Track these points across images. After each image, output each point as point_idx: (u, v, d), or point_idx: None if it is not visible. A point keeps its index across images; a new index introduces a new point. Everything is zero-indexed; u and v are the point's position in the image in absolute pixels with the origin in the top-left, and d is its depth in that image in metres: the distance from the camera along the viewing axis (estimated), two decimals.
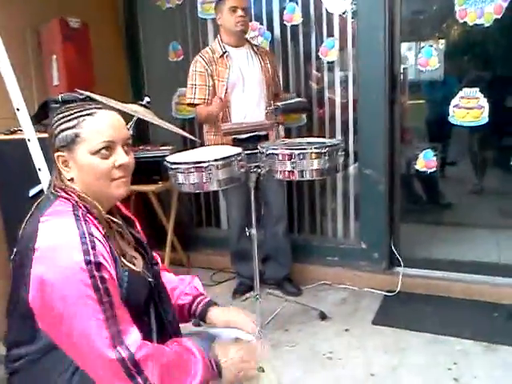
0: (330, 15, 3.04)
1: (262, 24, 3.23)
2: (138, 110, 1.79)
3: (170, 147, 3.15)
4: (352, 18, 2.96)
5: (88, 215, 1.12)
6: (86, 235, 1.06)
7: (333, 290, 3.16)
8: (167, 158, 2.26)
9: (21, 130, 2.49)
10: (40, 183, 1.68)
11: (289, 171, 2.25)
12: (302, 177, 2.26)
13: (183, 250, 3.67)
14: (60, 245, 1.05)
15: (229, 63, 2.77)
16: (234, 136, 2.65)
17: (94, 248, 1.05)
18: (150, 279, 1.28)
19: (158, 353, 1.09)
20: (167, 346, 1.17)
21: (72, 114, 1.15)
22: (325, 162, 2.22)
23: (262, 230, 3.18)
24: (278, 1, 3.16)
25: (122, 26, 3.68)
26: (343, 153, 2.32)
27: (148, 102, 1.85)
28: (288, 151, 2.21)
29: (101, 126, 1.15)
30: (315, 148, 2.21)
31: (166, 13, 3.52)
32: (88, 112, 1.15)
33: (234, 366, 1.24)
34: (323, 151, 2.21)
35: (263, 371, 1.43)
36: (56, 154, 1.15)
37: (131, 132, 1.87)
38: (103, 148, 1.14)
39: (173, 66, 3.49)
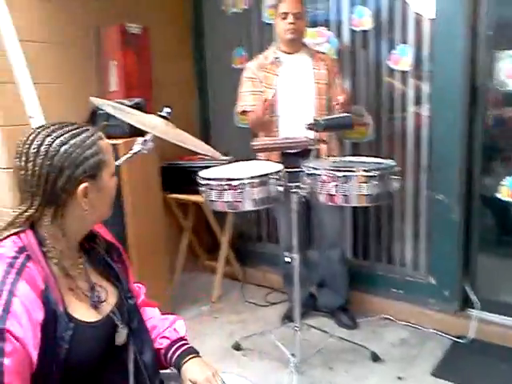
0: (404, 19, 2.71)
1: (329, 29, 2.97)
2: (155, 124, 1.64)
3: (229, 157, 3.01)
4: (430, 22, 2.60)
5: (29, 265, 0.98)
6: (6, 293, 0.92)
7: (393, 327, 2.81)
8: (200, 173, 2.10)
9: None
10: None
11: (331, 195, 1.99)
12: (346, 202, 1.98)
13: (239, 264, 3.52)
14: None
15: (278, 70, 2.57)
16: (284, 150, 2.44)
17: (5, 310, 0.91)
18: (116, 320, 1.13)
19: None
20: None
21: (88, 139, 1.05)
22: (373, 186, 1.93)
23: (317, 253, 2.95)
24: (348, 5, 2.88)
25: (188, 30, 3.61)
26: (398, 177, 2.00)
27: (168, 113, 1.69)
28: (329, 172, 1.95)
29: (110, 148, 1.13)
30: (363, 170, 1.93)
31: (231, 17, 3.39)
32: (98, 136, 1.09)
33: None
34: (371, 174, 1.92)
35: None
36: (81, 186, 1.02)
37: (152, 145, 1.73)
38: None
39: (236, 72, 3.35)
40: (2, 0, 1.91)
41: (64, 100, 2.77)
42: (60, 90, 2.80)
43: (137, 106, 2.54)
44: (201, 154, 1.91)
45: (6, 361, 0.89)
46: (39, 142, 0.99)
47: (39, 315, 0.96)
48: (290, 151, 2.43)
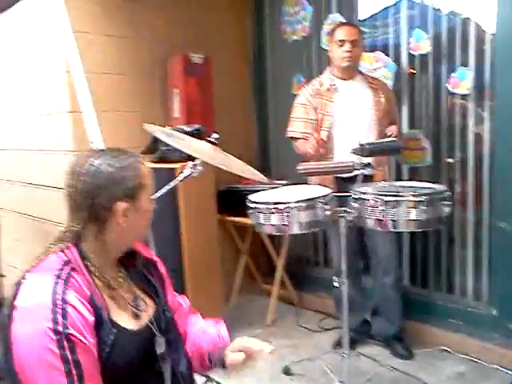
0: (464, 40, 2.65)
1: (386, 54, 2.97)
2: (203, 150, 1.72)
3: (284, 181, 3.06)
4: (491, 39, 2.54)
5: (74, 274, 1.07)
6: (59, 302, 1.01)
7: (452, 360, 2.68)
8: (249, 197, 2.16)
9: None
10: None
11: (379, 220, 1.97)
12: (395, 227, 1.95)
13: (295, 289, 3.52)
14: (31, 309, 1.01)
15: (334, 96, 2.58)
16: (337, 175, 2.45)
17: (64, 317, 1.00)
18: (155, 330, 1.21)
19: None
20: None
21: (129, 162, 1.14)
22: (422, 211, 1.89)
23: (373, 279, 2.89)
24: (406, 28, 2.87)
25: (248, 57, 3.74)
26: (449, 202, 1.95)
27: (216, 139, 1.77)
28: (376, 197, 1.93)
29: (150, 172, 1.20)
30: (411, 195, 1.90)
31: (292, 45, 3.47)
32: (139, 160, 1.18)
33: None
34: (420, 199, 1.88)
35: None
36: (120, 205, 1.11)
37: (201, 169, 1.82)
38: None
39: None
40: (71, 35, 2.09)
41: (133, 126, 2.96)
42: (129, 117, 3.01)
43: (196, 132, 2.68)
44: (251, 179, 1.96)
45: (82, 359, 1.00)
46: (86, 163, 1.10)
47: (91, 319, 1.04)
48: (342, 176, 2.44)
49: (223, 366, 1.31)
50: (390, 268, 2.71)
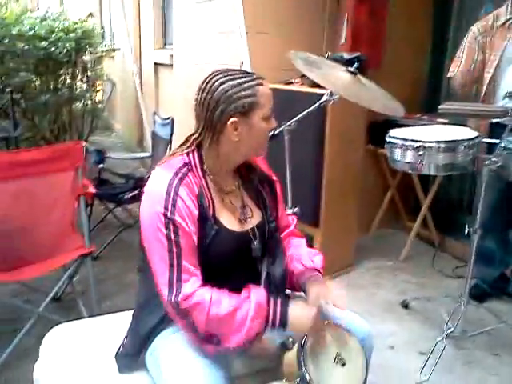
0: None
1: None
2: (340, 80, 1.76)
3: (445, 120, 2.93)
4: None
5: (190, 175, 1.28)
6: (172, 194, 1.22)
7: None
8: (390, 131, 2.18)
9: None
10: None
11: None
12: None
13: (438, 231, 3.45)
14: (151, 195, 1.27)
15: (509, 35, 2.33)
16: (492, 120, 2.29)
17: (174, 206, 1.22)
18: (252, 236, 1.37)
19: (203, 306, 1.19)
20: (232, 296, 1.24)
21: (246, 83, 1.27)
22: None
23: None
24: None
25: None
26: None
27: (357, 69, 1.80)
28: None
29: (269, 95, 1.30)
30: None
31: None
32: (259, 82, 1.29)
33: (305, 322, 1.26)
34: None
35: (343, 364, 1.36)
36: (231, 120, 1.27)
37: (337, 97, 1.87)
38: (270, 114, 1.30)
39: None
40: None
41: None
42: (293, 38, 3.10)
43: (355, 60, 2.69)
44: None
45: (182, 241, 1.23)
46: (208, 80, 1.28)
47: (195, 212, 1.27)
48: (500, 122, 2.27)
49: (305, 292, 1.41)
50: None
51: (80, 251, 2.31)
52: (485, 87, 2.41)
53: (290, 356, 1.34)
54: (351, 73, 1.82)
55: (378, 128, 3.21)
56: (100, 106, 6.36)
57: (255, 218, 1.41)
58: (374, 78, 1.87)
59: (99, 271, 3.07)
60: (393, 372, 2.19)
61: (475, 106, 2.12)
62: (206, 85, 1.27)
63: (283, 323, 1.25)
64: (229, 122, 1.26)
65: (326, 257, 1.51)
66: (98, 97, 6.58)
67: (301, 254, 1.49)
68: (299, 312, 1.27)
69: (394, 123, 3.25)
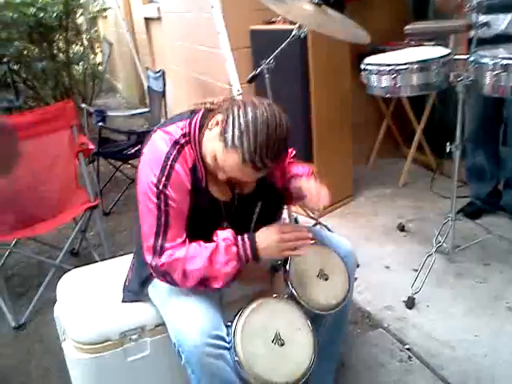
0: None
1: None
2: (306, 13, 1.78)
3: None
4: None
5: (186, 148, 1.30)
6: (167, 167, 1.27)
7: None
8: (365, 59, 2.21)
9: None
10: None
11: (494, 85, 1.89)
12: None
13: (435, 155, 3.50)
14: (148, 163, 1.31)
15: None
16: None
17: (167, 179, 1.27)
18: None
19: (179, 265, 1.29)
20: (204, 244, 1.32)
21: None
22: None
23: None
24: None
25: None
26: None
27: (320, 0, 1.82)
28: (492, 60, 1.83)
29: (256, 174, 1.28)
30: None
31: None
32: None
33: (273, 247, 1.32)
34: None
35: (326, 279, 1.49)
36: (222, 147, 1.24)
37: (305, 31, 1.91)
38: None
39: None
40: None
41: None
42: None
43: None
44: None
45: (171, 212, 1.29)
46: (262, 115, 1.23)
47: (188, 186, 1.31)
48: (483, 36, 2.27)
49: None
50: None
51: (86, 205, 2.46)
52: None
53: (279, 276, 1.49)
54: (315, 4, 1.86)
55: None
56: (100, 68, 6.39)
57: (249, 187, 1.43)
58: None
59: (113, 225, 3.27)
60: (387, 289, 2.33)
61: (439, 22, 2.13)
62: (257, 115, 1.22)
63: (255, 256, 1.32)
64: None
65: None
66: (98, 59, 6.61)
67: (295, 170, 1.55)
68: (264, 238, 1.33)
69: (382, 52, 3.26)
